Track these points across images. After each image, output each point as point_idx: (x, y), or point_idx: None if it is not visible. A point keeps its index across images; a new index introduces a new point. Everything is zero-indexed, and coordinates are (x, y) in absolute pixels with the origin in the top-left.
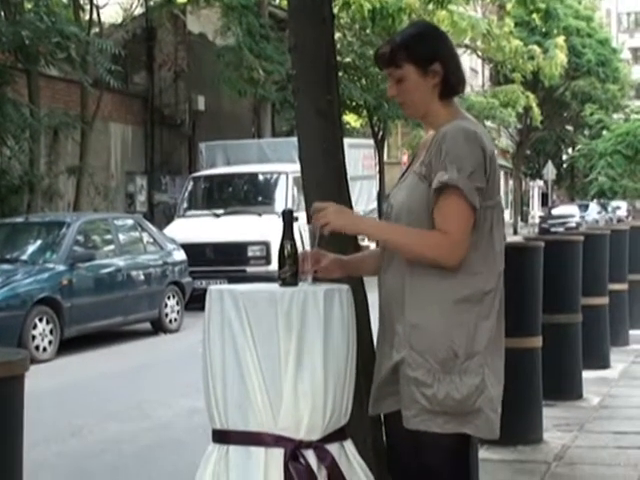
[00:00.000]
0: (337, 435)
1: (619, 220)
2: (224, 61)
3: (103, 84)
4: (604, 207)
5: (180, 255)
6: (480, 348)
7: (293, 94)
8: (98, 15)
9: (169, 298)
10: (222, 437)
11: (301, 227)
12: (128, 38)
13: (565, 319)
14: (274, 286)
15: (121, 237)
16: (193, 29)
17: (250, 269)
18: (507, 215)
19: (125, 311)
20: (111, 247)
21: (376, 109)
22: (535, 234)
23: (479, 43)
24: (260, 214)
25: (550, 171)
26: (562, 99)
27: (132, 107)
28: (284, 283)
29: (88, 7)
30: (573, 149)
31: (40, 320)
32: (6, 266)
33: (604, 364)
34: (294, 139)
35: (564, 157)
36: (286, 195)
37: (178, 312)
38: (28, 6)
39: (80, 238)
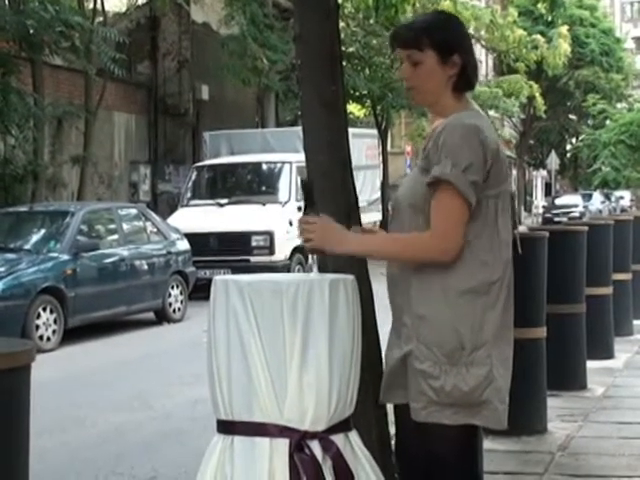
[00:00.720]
0: (342, 426)
1: (622, 210)
2: (228, 50)
3: (107, 73)
4: (607, 197)
5: (184, 245)
6: (487, 339)
7: (298, 84)
8: (102, 4)
9: (173, 288)
10: (227, 428)
11: None
12: (132, 27)
13: (569, 309)
14: (279, 276)
15: (125, 227)
16: (197, 18)
17: (254, 259)
18: None
19: (129, 301)
20: (115, 237)
21: (380, 99)
22: (539, 224)
23: (483, 33)
24: (264, 204)
25: (553, 161)
26: (566, 89)
27: (136, 96)
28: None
29: None
30: (577, 139)
31: (44, 310)
32: (10, 255)
33: (608, 354)
34: (298, 129)
35: (568, 147)
36: (290, 185)
37: (182, 302)
38: None
39: (84, 227)
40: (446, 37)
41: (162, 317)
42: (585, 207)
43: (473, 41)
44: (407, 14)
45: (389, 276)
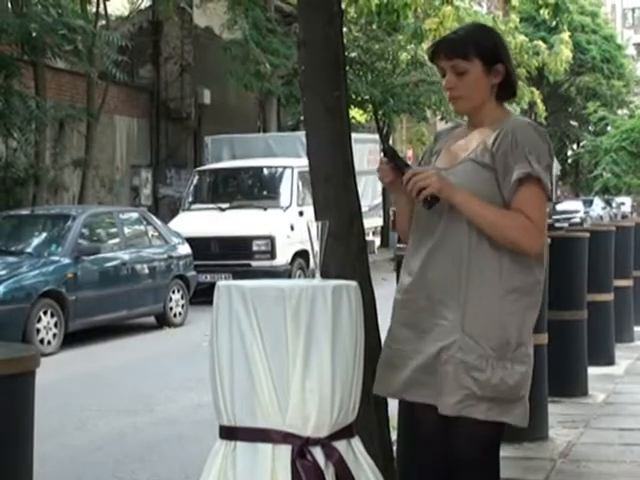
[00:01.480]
0: (344, 432)
1: (624, 216)
2: (230, 55)
3: (109, 77)
4: (608, 203)
5: (185, 249)
6: (526, 338)
7: (301, 90)
8: (105, 8)
9: (174, 292)
10: (229, 433)
11: (309, 222)
12: (134, 31)
13: (570, 316)
14: (282, 282)
15: (126, 230)
16: (199, 23)
17: (255, 263)
18: None
19: (130, 305)
20: (116, 240)
21: (381, 104)
22: None
23: None
24: (265, 208)
25: (555, 167)
26: (567, 95)
27: (138, 100)
28: (430, 207)
29: (95, 0)
30: (578, 145)
31: (45, 313)
32: (11, 258)
33: (609, 360)
34: (300, 133)
35: (569, 153)
36: (291, 189)
37: (183, 306)
38: None
39: (85, 231)
40: (491, 47)
41: (163, 321)
42: (586, 213)
43: None
44: (409, 19)
45: (422, 271)
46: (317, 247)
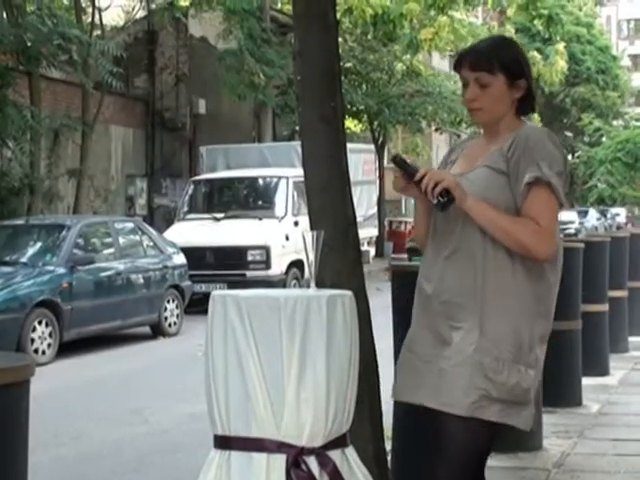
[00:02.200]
0: (339, 441)
1: (618, 227)
2: (225, 65)
3: (105, 87)
4: (603, 214)
5: (180, 259)
6: (536, 343)
7: (297, 100)
8: (100, 18)
9: (169, 302)
10: (224, 443)
11: (304, 232)
12: (130, 41)
13: (565, 326)
14: (277, 292)
15: (121, 240)
16: (195, 33)
17: (250, 273)
18: None
19: (124, 314)
20: (111, 250)
21: (377, 114)
22: None
23: None
24: (260, 218)
25: None
26: (562, 106)
27: (133, 110)
28: (443, 207)
29: (90, 10)
30: (573, 156)
31: (39, 323)
32: (6, 268)
33: (603, 371)
34: (295, 143)
35: None
36: (286, 199)
37: (178, 316)
38: (30, 8)
39: (80, 241)
40: (515, 62)
41: (158, 331)
42: (581, 224)
43: None
44: (404, 29)
45: (438, 276)
46: (312, 257)
